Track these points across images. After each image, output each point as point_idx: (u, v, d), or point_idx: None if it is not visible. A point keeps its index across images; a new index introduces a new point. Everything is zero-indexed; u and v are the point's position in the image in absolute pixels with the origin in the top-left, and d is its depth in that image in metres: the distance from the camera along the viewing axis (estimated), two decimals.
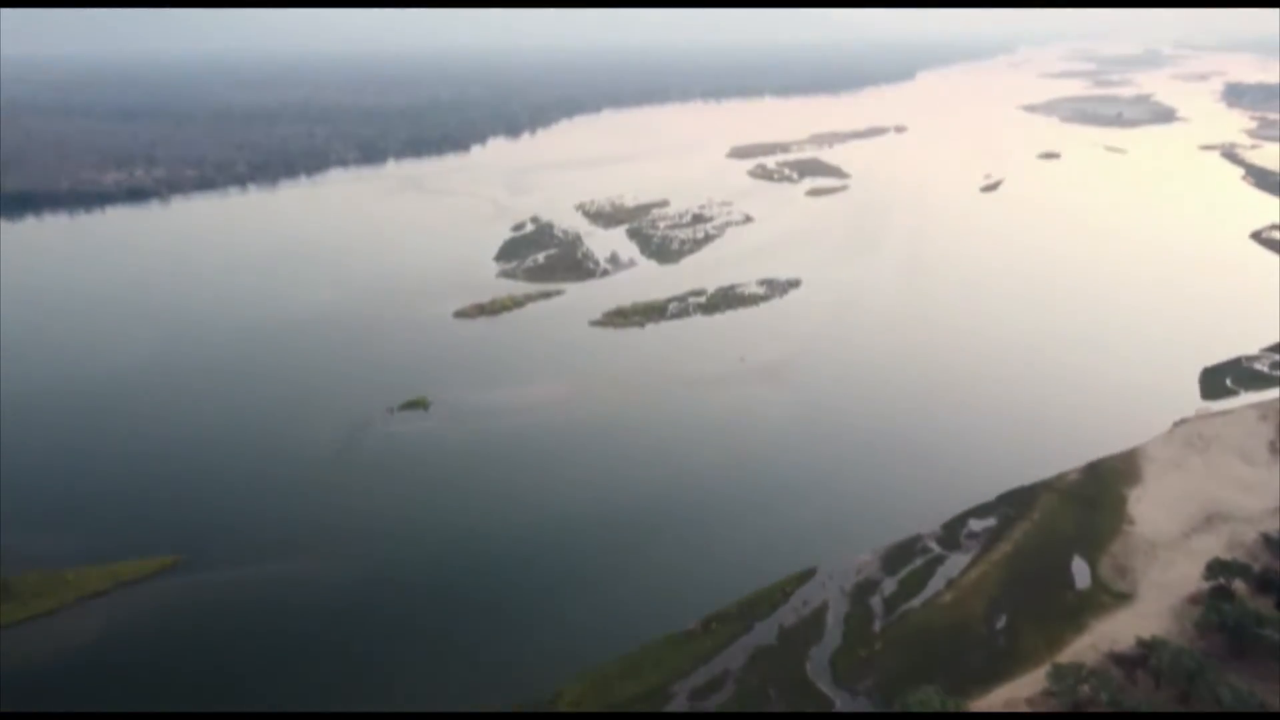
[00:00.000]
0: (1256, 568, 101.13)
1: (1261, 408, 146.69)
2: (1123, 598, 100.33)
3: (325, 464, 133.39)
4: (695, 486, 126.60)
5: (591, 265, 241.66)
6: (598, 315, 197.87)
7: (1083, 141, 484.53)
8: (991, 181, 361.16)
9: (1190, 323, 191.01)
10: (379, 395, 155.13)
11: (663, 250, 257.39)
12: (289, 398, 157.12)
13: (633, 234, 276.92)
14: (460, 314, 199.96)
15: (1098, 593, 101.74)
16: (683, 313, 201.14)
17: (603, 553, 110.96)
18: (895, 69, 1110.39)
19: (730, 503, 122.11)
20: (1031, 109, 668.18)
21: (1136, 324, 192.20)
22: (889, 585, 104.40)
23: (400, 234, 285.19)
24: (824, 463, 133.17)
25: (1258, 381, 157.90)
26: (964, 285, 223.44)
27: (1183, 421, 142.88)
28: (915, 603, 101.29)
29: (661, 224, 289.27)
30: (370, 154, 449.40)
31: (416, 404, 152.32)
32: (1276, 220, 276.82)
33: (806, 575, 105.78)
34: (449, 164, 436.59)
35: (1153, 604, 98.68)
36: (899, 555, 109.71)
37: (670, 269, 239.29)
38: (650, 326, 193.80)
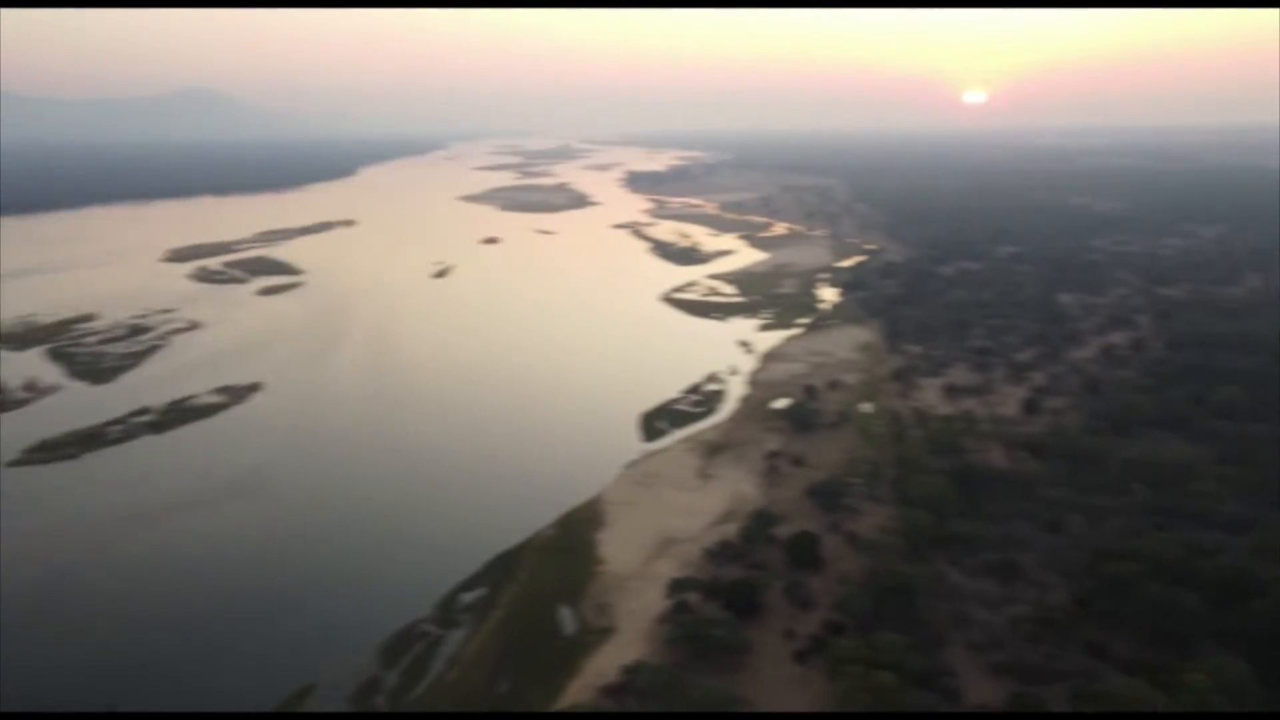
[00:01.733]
0: (704, 578, 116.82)
1: (688, 442, 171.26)
2: (605, 633, 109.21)
3: None
4: (166, 629, 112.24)
5: (2, 395, 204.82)
6: (17, 453, 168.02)
7: (517, 226, 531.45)
8: (442, 268, 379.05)
9: (625, 375, 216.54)
10: None
11: (94, 369, 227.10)
12: None
13: (54, 354, 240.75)
14: None
15: (584, 635, 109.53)
16: (128, 435, 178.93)
17: None
18: (337, 165, 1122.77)
19: (210, 637, 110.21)
20: (470, 199, 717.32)
21: (583, 382, 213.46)
22: (391, 679, 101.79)
23: None
24: (308, 572, 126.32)
25: (682, 420, 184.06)
26: (426, 367, 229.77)
27: (631, 464, 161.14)
28: (420, 690, 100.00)
29: (90, 340, 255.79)
30: None
31: None
32: (677, 284, 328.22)
33: (304, 694, 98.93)
34: None
35: (630, 633, 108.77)
36: (398, 646, 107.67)
37: (107, 389, 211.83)
38: (89, 456, 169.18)
